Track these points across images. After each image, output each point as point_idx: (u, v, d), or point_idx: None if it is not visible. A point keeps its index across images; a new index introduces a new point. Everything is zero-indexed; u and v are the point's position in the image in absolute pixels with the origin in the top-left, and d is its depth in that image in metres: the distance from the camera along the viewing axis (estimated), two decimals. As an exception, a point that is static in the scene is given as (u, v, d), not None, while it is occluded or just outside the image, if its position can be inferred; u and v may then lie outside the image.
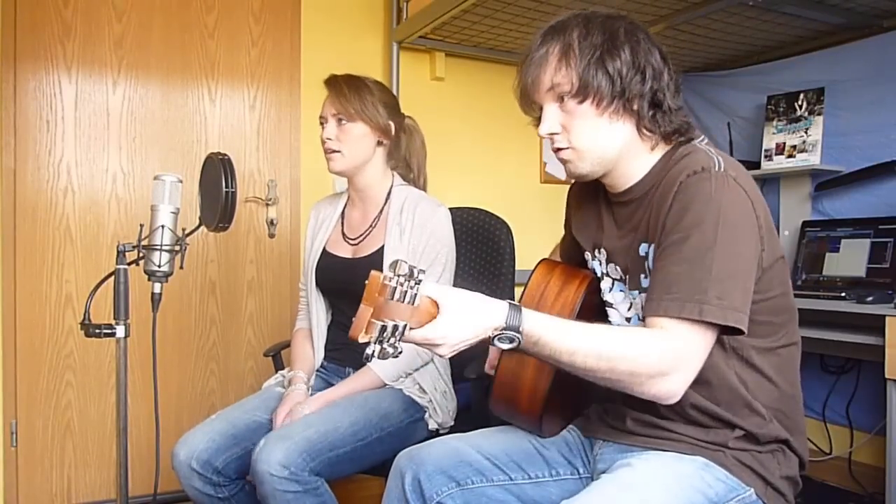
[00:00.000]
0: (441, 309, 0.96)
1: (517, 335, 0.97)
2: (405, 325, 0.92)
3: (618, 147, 1.12)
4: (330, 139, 1.72)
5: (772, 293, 1.09)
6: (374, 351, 0.90)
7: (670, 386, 0.99)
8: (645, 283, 1.13)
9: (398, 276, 0.90)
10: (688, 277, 1.00)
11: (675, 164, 1.11)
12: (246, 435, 1.61)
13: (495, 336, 0.97)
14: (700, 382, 1.09)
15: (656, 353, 0.99)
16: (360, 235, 1.79)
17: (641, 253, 1.14)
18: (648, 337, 1.01)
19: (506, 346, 0.98)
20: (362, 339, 0.90)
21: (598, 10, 1.13)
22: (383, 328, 0.89)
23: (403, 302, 0.92)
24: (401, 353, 0.94)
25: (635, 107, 1.10)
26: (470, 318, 0.97)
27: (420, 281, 0.93)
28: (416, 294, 0.93)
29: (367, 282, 0.92)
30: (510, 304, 0.98)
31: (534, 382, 1.19)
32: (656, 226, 1.09)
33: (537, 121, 1.15)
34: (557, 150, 1.15)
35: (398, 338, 0.92)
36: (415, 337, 0.95)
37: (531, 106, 1.16)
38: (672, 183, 1.07)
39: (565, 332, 0.99)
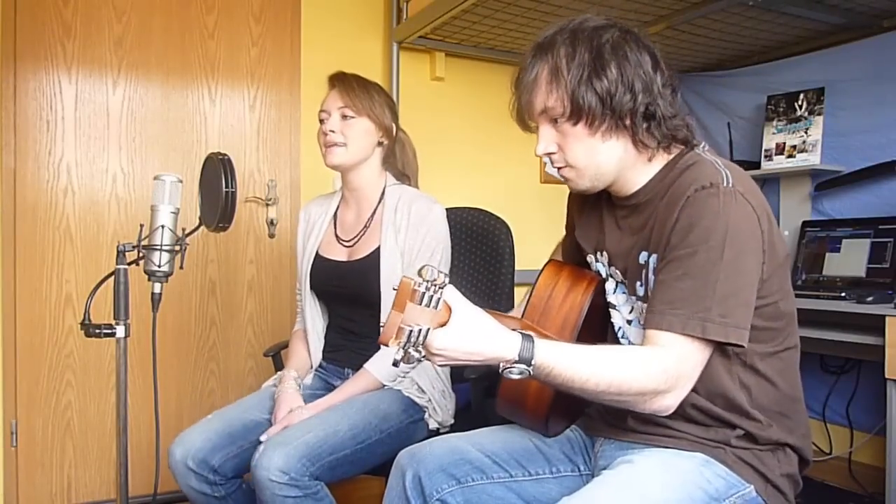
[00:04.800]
0: (450, 319, 0.97)
1: (527, 369, 0.98)
2: (427, 329, 0.94)
3: (614, 162, 1.13)
4: (333, 132, 1.70)
5: (771, 299, 1.10)
6: (399, 356, 0.93)
7: (670, 402, 1.03)
8: (640, 290, 1.15)
9: (426, 281, 0.92)
10: (692, 294, 1.01)
11: (680, 173, 1.11)
12: (243, 434, 1.60)
13: (505, 368, 0.98)
14: (700, 386, 1.10)
15: (660, 372, 1.01)
16: (355, 237, 1.78)
17: (641, 261, 1.14)
18: (651, 357, 1.03)
19: (515, 377, 0.98)
20: (392, 344, 0.92)
21: (586, 21, 1.13)
22: (410, 333, 0.92)
23: (428, 306, 0.93)
24: (424, 356, 0.96)
25: (627, 122, 1.10)
26: (475, 340, 0.97)
27: (445, 285, 0.94)
28: (439, 298, 0.94)
29: (395, 288, 0.95)
30: (522, 335, 0.99)
31: (541, 384, 1.19)
32: (660, 238, 1.09)
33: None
34: (558, 169, 1.17)
35: (421, 341, 0.93)
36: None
37: (528, 125, 1.18)
38: (679, 196, 1.06)
39: (576, 360, 1.00)
